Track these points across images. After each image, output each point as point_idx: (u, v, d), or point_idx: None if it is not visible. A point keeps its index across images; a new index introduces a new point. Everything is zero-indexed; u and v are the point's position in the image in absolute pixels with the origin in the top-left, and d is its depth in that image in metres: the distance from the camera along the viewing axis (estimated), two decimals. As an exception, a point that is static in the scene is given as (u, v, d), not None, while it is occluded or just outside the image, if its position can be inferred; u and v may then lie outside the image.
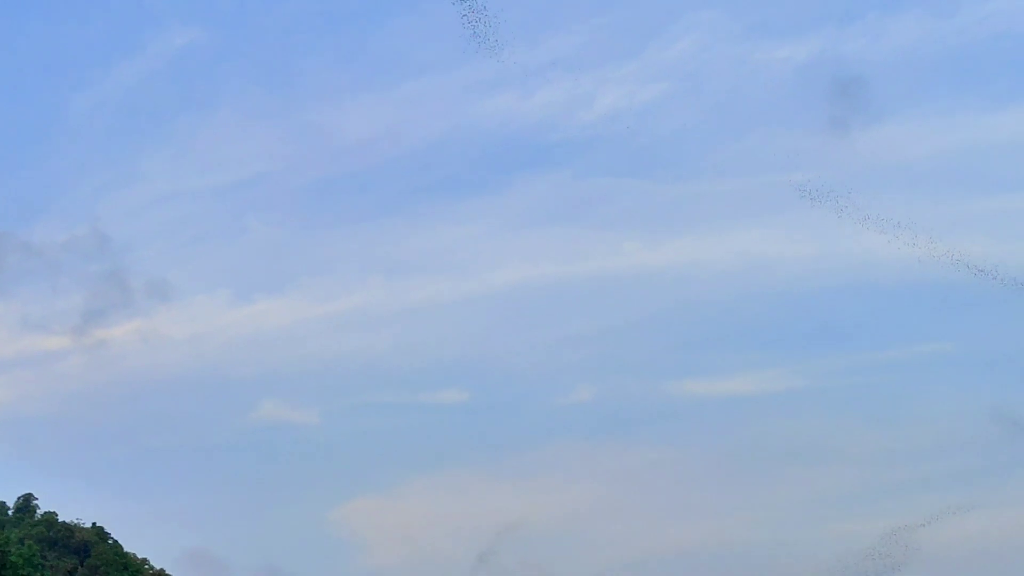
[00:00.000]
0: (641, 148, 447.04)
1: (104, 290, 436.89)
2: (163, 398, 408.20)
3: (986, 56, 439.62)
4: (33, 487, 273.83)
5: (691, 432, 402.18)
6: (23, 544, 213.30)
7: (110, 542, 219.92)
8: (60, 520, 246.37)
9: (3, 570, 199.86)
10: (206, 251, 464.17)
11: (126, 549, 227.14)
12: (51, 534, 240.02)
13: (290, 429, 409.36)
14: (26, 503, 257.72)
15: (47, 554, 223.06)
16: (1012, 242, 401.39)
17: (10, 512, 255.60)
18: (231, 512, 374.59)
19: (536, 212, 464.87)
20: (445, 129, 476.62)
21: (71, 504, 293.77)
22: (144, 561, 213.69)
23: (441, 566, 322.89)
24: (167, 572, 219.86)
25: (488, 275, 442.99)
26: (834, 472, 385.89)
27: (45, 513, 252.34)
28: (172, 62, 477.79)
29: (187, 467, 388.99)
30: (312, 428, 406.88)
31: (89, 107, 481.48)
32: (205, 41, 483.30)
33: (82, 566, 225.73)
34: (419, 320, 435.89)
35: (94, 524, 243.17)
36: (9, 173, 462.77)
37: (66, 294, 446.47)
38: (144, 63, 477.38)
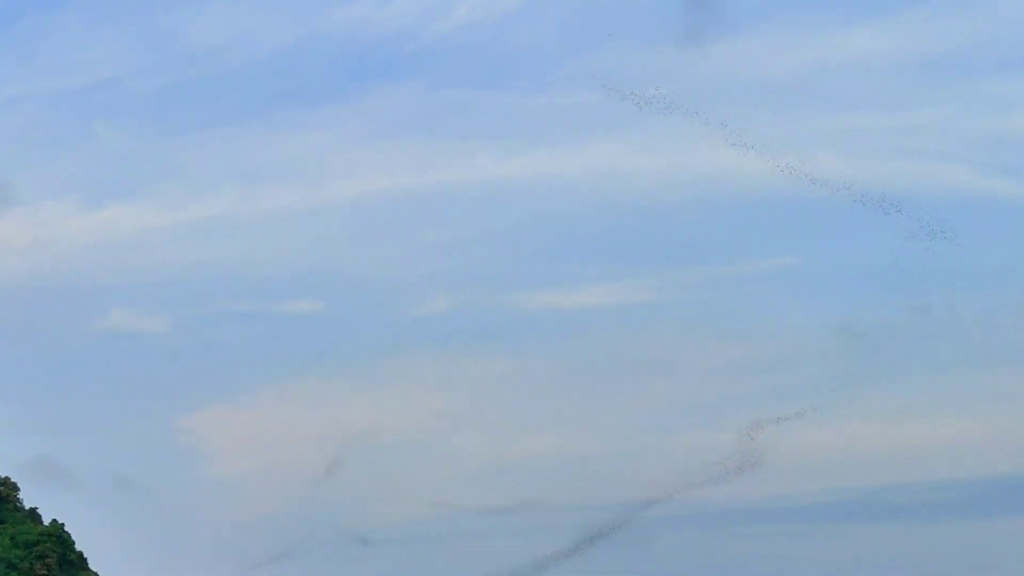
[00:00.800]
0: (496, 60, 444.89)
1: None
2: (7, 305, 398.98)
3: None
4: None
5: (543, 344, 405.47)
6: None
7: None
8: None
9: None
10: (53, 156, 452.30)
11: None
12: None
13: (140, 338, 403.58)
14: None
15: None
16: (861, 159, 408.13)
17: None
18: (78, 421, 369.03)
19: (391, 122, 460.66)
20: (299, 36, 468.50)
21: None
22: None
23: (290, 475, 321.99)
24: (12, 480, 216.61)
25: (342, 184, 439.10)
26: (684, 384, 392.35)
27: None
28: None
29: (33, 376, 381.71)
30: (162, 337, 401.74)
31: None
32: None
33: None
34: (272, 229, 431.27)
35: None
36: None
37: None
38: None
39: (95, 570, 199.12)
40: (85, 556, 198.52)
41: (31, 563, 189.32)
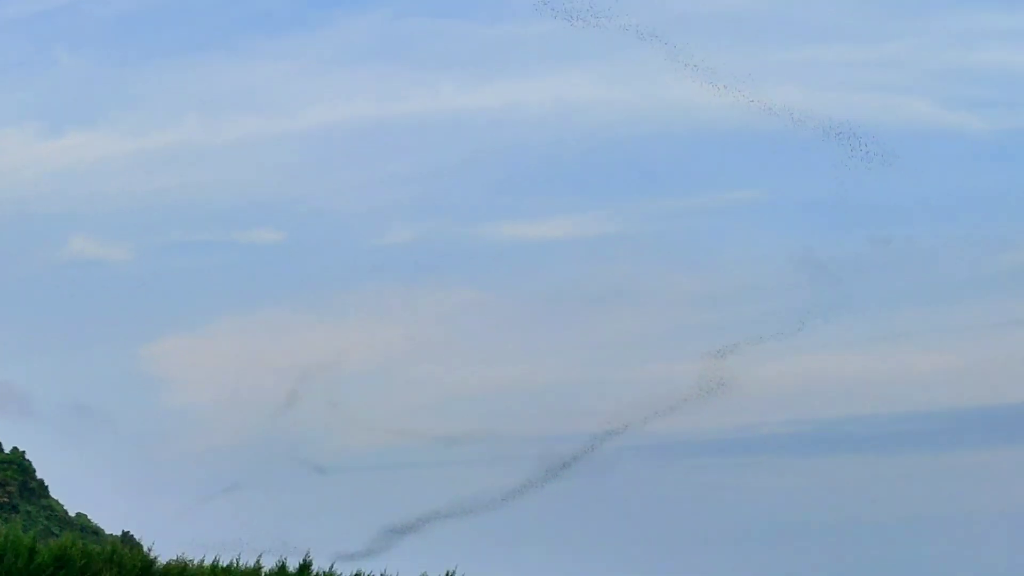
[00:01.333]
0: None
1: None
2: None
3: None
4: None
5: (506, 275, 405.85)
6: None
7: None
8: None
9: None
10: (12, 83, 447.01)
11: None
12: None
13: (101, 266, 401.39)
14: None
15: None
16: (823, 92, 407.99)
17: None
18: (38, 349, 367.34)
19: (354, 50, 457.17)
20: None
21: None
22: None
23: (250, 404, 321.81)
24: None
25: (304, 113, 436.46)
26: (646, 315, 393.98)
27: None
28: None
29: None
30: (124, 265, 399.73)
31: None
32: None
33: None
34: (234, 157, 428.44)
35: None
36: None
37: None
38: None
39: (56, 497, 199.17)
40: (46, 484, 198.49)
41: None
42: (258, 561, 63.38)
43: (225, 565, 61.83)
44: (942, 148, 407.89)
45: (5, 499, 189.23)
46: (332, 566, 68.57)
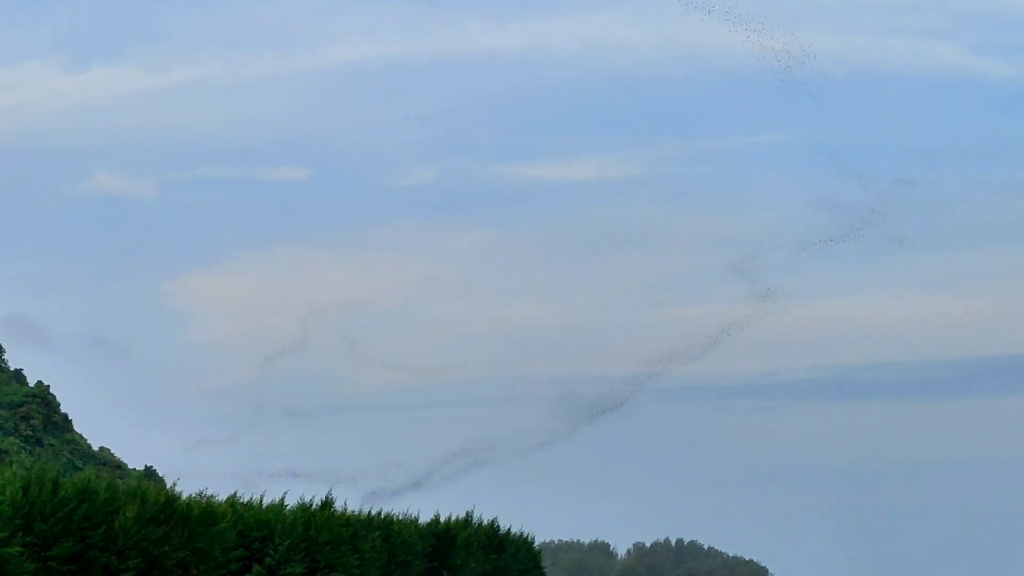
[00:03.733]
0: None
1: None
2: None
3: None
4: None
5: (528, 216, 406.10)
6: None
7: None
8: None
9: None
10: (36, 15, 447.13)
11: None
12: None
13: (125, 201, 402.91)
14: None
15: None
16: (850, 36, 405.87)
17: None
18: (58, 281, 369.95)
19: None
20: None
21: None
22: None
23: (271, 340, 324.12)
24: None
25: (329, 51, 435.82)
26: (668, 257, 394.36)
27: None
28: None
29: (15, 236, 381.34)
30: (147, 201, 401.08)
31: None
32: None
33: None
34: (258, 94, 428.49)
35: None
36: None
37: None
38: None
39: (80, 431, 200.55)
40: (70, 418, 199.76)
41: (16, 423, 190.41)
42: (282, 499, 63.82)
43: (245, 501, 62.27)
44: (970, 93, 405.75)
45: (29, 432, 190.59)
46: (345, 503, 69.00)
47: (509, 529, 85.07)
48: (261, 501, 63.07)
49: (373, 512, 71.13)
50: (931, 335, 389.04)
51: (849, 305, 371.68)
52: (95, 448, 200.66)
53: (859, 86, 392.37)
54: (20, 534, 48.87)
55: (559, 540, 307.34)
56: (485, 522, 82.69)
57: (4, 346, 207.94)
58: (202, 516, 55.99)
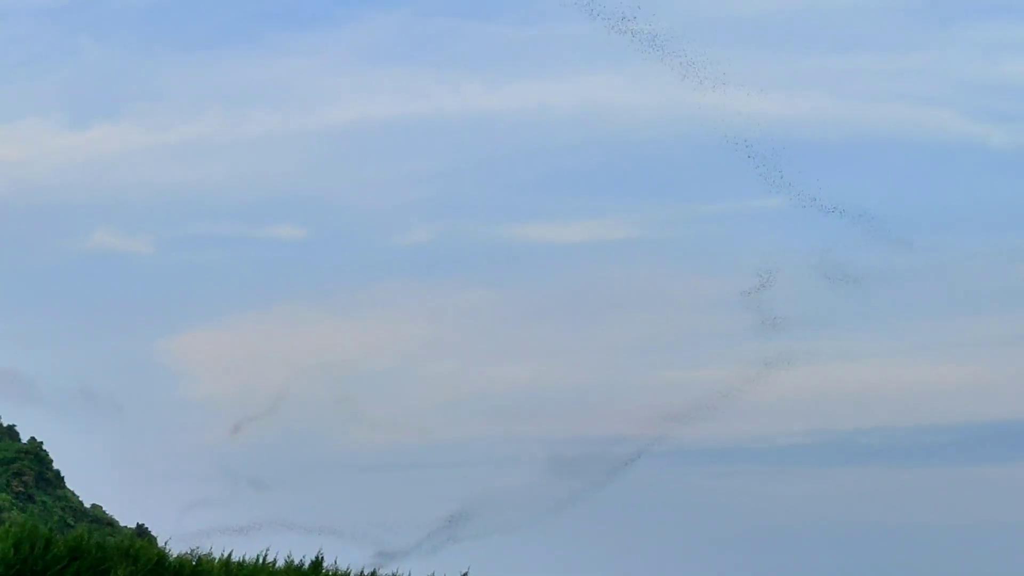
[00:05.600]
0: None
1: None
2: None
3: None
4: None
5: (525, 276, 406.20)
6: None
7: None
8: None
9: None
10: (38, 73, 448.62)
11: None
12: None
13: (122, 258, 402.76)
14: None
15: None
16: (848, 100, 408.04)
17: None
18: (51, 337, 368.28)
19: (377, 48, 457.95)
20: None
21: None
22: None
23: (265, 398, 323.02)
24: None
25: (327, 110, 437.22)
26: (665, 319, 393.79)
27: None
28: None
29: (11, 292, 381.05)
30: (145, 258, 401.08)
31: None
32: None
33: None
34: (256, 152, 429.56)
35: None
36: None
37: None
38: None
39: (72, 488, 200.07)
40: (62, 474, 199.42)
41: (8, 480, 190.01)
42: (263, 556, 63.55)
43: (238, 560, 62.06)
44: (968, 159, 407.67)
45: (21, 488, 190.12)
46: (335, 561, 68.78)
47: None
48: (258, 559, 62.88)
49: (366, 572, 70.84)
50: (926, 400, 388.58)
51: (843, 369, 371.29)
52: (87, 505, 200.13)
53: (857, 150, 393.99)
54: (11, 591, 48.69)
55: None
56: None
57: (3, 404, 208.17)
58: (193, 575, 55.77)
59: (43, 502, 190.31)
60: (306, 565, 66.62)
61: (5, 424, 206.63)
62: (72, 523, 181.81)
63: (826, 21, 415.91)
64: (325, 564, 67.96)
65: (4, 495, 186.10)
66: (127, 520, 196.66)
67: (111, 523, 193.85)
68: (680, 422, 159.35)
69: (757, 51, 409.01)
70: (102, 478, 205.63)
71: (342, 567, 68.73)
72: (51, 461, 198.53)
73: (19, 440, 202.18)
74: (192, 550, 59.26)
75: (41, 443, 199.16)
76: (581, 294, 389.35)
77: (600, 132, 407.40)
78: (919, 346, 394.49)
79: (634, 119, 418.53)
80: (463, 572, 75.02)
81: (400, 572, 72.57)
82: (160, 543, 59.12)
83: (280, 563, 64.48)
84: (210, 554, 61.03)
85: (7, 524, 54.07)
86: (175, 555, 57.27)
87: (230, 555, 61.90)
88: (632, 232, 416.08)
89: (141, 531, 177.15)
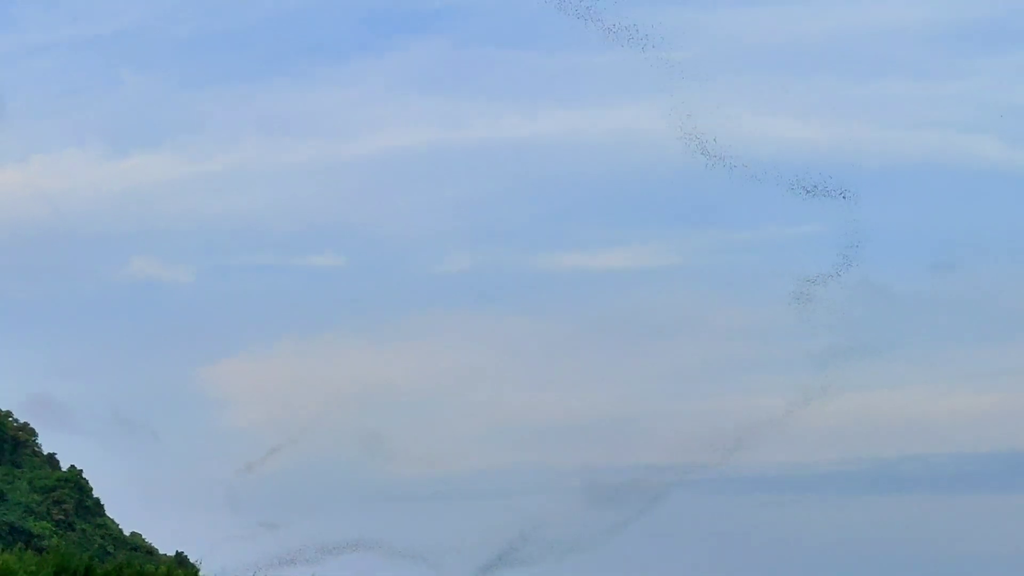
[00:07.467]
0: (522, 18, 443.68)
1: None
2: (31, 251, 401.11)
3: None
4: None
5: (563, 305, 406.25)
6: None
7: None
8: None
9: None
10: (79, 104, 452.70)
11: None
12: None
13: (162, 287, 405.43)
14: None
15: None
16: (888, 128, 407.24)
17: None
18: (91, 365, 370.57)
19: (415, 78, 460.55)
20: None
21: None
22: (8, 413, 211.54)
23: (305, 426, 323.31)
24: (30, 425, 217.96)
25: (366, 139, 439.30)
26: (703, 348, 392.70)
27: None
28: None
29: (53, 322, 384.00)
30: (185, 287, 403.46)
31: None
32: None
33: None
34: (296, 182, 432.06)
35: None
36: None
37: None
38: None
39: (111, 516, 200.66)
40: (102, 502, 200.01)
41: (48, 508, 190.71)
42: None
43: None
44: (1008, 186, 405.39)
45: (61, 516, 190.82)
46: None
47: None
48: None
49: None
50: (966, 428, 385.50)
51: (888, 396, 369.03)
52: (126, 533, 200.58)
53: (897, 175, 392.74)
54: (51, 620, 48.91)
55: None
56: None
57: (44, 432, 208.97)
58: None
59: (83, 530, 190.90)
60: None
61: (45, 452, 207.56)
62: (112, 551, 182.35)
63: (865, 48, 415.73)
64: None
65: (45, 523, 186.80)
66: (166, 548, 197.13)
67: (150, 551, 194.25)
68: (718, 451, 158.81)
69: (794, 78, 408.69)
70: (141, 505, 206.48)
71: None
72: (91, 489, 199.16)
73: (59, 468, 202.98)
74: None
75: (81, 471, 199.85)
76: (618, 322, 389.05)
77: (636, 159, 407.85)
78: (961, 373, 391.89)
79: (670, 146, 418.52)
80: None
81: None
82: (199, 571, 59.34)
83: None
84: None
85: (48, 552, 54.36)
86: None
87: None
88: (669, 259, 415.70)
89: (180, 559, 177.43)
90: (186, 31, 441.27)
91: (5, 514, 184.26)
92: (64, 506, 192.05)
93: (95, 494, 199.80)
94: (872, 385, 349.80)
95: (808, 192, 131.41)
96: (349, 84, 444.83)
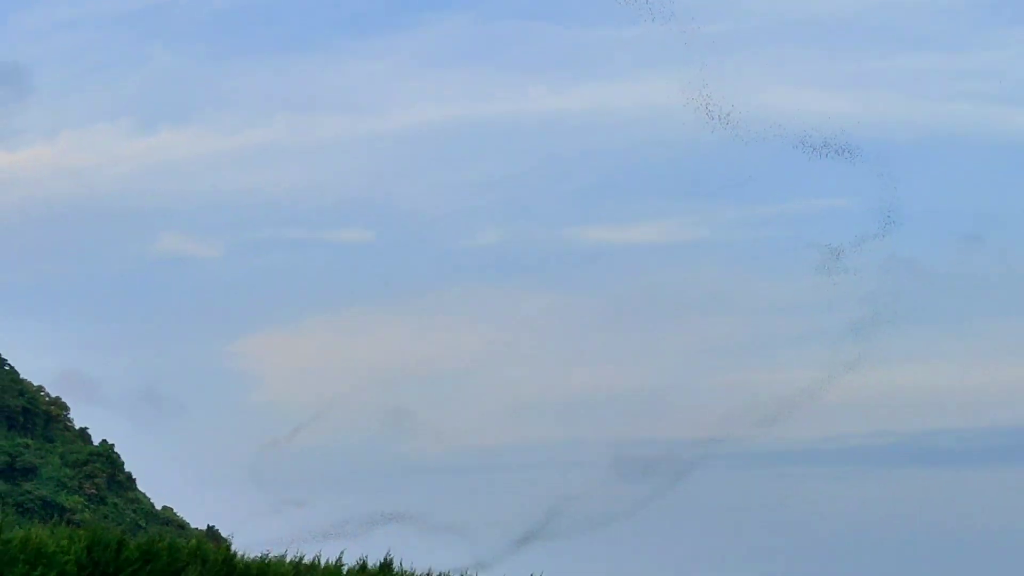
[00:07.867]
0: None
1: (2, 116, 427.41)
2: (61, 226, 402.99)
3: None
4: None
5: (592, 279, 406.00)
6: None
7: (7, 368, 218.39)
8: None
9: None
10: (108, 79, 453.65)
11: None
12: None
13: (191, 262, 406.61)
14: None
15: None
16: (919, 100, 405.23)
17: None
18: (120, 340, 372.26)
19: (444, 53, 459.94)
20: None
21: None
22: (40, 388, 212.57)
23: (335, 401, 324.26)
24: (62, 400, 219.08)
25: (395, 114, 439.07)
26: (732, 322, 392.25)
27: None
28: None
29: (83, 297, 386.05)
30: (214, 262, 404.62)
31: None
32: None
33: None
34: (325, 157, 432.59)
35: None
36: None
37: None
38: None
39: (143, 490, 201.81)
40: (134, 476, 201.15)
41: (80, 482, 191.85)
42: (339, 559, 63.68)
43: (308, 562, 62.23)
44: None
45: (94, 491, 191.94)
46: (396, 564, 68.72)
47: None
48: (320, 562, 62.98)
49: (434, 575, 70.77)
50: (1002, 402, 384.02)
51: (918, 370, 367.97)
52: (158, 507, 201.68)
53: (927, 148, 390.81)
54: (84, 593, 49.08)
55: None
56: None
57: (76, 406, 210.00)
58: (263, 577, 55.97)
59: (115, 504, 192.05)
60: (375, 566, 66.69)
61: (77, 427, 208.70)
62: (144, 525, 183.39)
63: (895, 21, 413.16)
64: (394, 566, 68.01)
65: (77, 497, 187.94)
66: (197, 522, 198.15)
67: (182, 525, 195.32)
68: (748, 425, 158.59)
69: (825, 51, 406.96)
70: (171, 480, 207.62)
71: (420, 568, 68.66)
72: (123, 464, 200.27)
73: (91, 443, 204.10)
74: (263, 553, 59.50)
75: (112, 445, 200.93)
76: (647, 296, 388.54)
77: (664, 133, 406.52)
78: (992, 346, 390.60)
79: (698, 120, 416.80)
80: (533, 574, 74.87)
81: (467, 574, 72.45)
82: (230, 545, 59.43)
83: (352, 564, 64.54)
84: (283, 556, 61.30)
85: (80, 526, 54.59)
86: (245, 557, 57.53)
87: (301, 558, 62.10)
88: (697, 233, 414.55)
89: (211, 533, 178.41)
90: (215, 6, 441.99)
91: (38, 488, 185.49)
92: (96, 480, 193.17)
93: (127, 468, 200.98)
94: (902, 359, 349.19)
95: (838, 155, 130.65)
96: (378, 59, 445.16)
